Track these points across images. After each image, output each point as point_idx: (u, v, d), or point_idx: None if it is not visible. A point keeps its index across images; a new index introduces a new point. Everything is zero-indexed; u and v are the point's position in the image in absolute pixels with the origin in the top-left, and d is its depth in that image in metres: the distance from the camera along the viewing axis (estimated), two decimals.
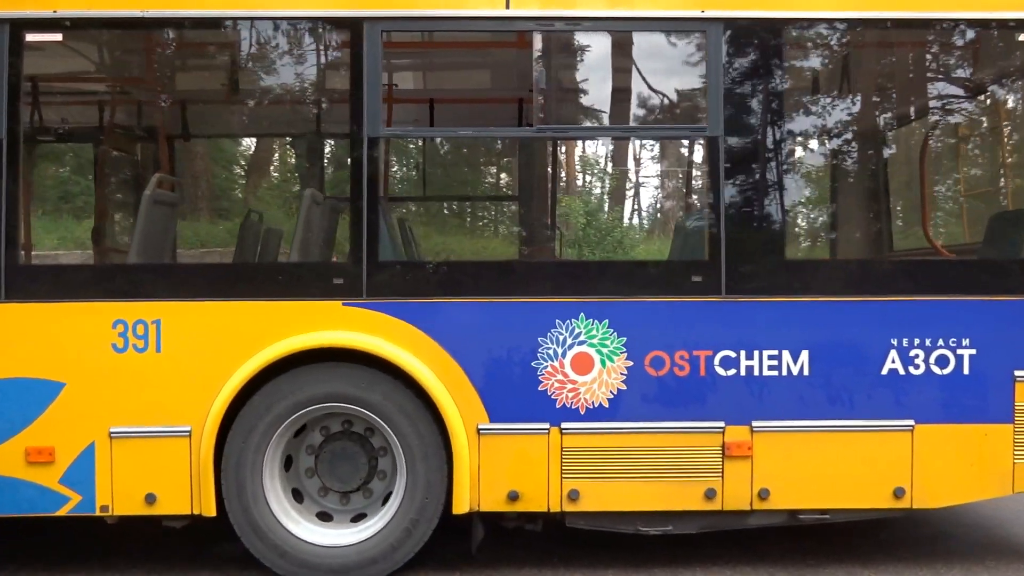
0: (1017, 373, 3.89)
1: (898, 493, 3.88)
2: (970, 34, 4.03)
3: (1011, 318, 3.91)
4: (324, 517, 4.06)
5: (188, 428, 3.82)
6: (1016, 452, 3.90)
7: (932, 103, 4.46)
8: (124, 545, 4.45)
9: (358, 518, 4.01)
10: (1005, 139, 4.33)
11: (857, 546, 4.34)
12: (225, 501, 3.83)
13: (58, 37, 3.82)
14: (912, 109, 4.28)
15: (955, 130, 4.64)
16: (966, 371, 3.90)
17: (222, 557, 4.16)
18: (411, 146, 4.42)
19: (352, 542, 3.87)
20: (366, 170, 3.83)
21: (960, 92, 4.34)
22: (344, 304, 3.85)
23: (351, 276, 3.85)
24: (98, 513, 3.83)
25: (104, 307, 3.82)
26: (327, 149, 4.11)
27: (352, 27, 3.84)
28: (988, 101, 4.44)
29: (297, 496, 4.06)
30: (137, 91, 4.52)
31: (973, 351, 3.90)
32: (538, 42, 3.92)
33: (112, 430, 3.81)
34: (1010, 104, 4.44)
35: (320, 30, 4.02)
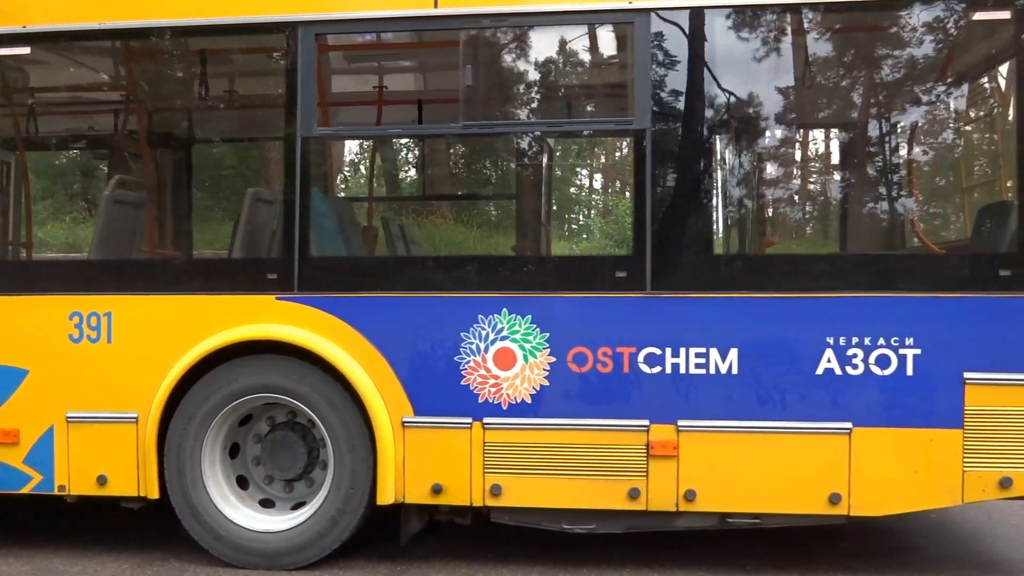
0: (967, 375, 3.64)
1: (834, 499, 3.70)
2: (924, 16, 3.80)
3: (960, 316, 3.66)
4: (268, 504, 4.23)
5: (135, 414, 4.05)
6: (966, 460, 3.64)
7: (871, 93, 4.22)
8: (95, 524, 4.74)
9: (299, 506, 4.15)
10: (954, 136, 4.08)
11: (810, 554, 4.16)
12: (167, 484, 4.04)
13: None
14: (847, 100, 4.06)
15: (899, 124, 4.37)
16: (909, 372, 3.68)
17: (179, 537, 4.36)
18: (361, 146, 4.54)
19: (283, 528, 4.01)
20: (299, 168, 3.97)
21: (901, 82, 4.09)
22: (277, 298, 4.00)
23: (283, 271, 4.00)
24: (56, 492, 4.12)
25: (62, 300, 4.11)
26: (267, 149, 4.26)
27: (287, 31, 3.99)
28: (931, 95, 4.17)
29: (243, 483, 4.24)
30: (95, 100, 4.84)
31: (917, 351, 3.68)
32: (466, 40, 3.96)
33: (69, 415, 4.08)
34: (956, 98, 4.16)
35: (257, 35, 4.18)
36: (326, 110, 4.13)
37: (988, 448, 3.63)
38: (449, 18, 3.94)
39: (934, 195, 4.10)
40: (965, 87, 4.18)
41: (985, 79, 4.17)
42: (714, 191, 3.83)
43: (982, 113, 4.39)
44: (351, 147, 4.36)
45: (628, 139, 3.80)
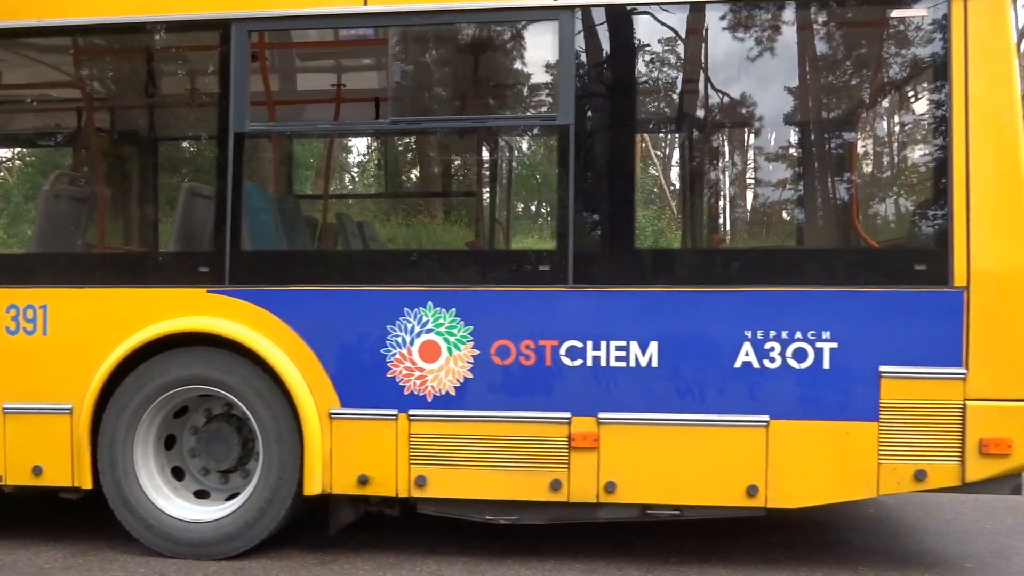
0: (883, 369, 3.68)
1: (751, 491, 3.74)
2: (846, 14, 3.85)
3: (875, 310, 3.69)
4: (203, 495, 4.28)
5: (70, 406, 4.11)
6: (882, 452, 3.68)
7: (791, 90, 4.26)
8: (37, 514, 4.80)
9: (233, 497, 4.20)
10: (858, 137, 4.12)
11: (738, 546, 4.19)
12: (100, 475, 4.10)
13: None
14: (766, 96, 4.09)
15: (815, 121, 4.41)
16: (826, 366, 3.72)
17: (115, 527, 4.42)
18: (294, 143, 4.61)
19: (212, 519, 4.06)
20: (231, 163, 4.03)
21: (817, 77, 4.14)
22: (209, 292, 4.05)
23: (215, 265, 4.06)
24: None
25: (0, 293, 4.17)
26: (203, 145, 4.32)
27: (221, 28, 4.06)
28: (842, 92, 4.22)
29: (178, 473, 4.30)
30: (33, 98, 4.91)
31: (834, 344, 3.71)
32: (395, 37, 4.02)
33: (5, 406, 4.15)
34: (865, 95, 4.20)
35: (192, 32, 4.25)
36: (267, 107, 4.18)
37: (903, 441, 3.66)
38: (378, 15, 4.00)
39: (854, 191, 4.12)
40: (871, 84, 4.22)
41: (887, 78, 4.21)
42: (635, 186, 3.86)
43: (889, 110, 4.42)
44: (289, 142, 4.42)
45: (554, 135, 3.82)
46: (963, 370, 3.63)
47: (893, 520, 4.81)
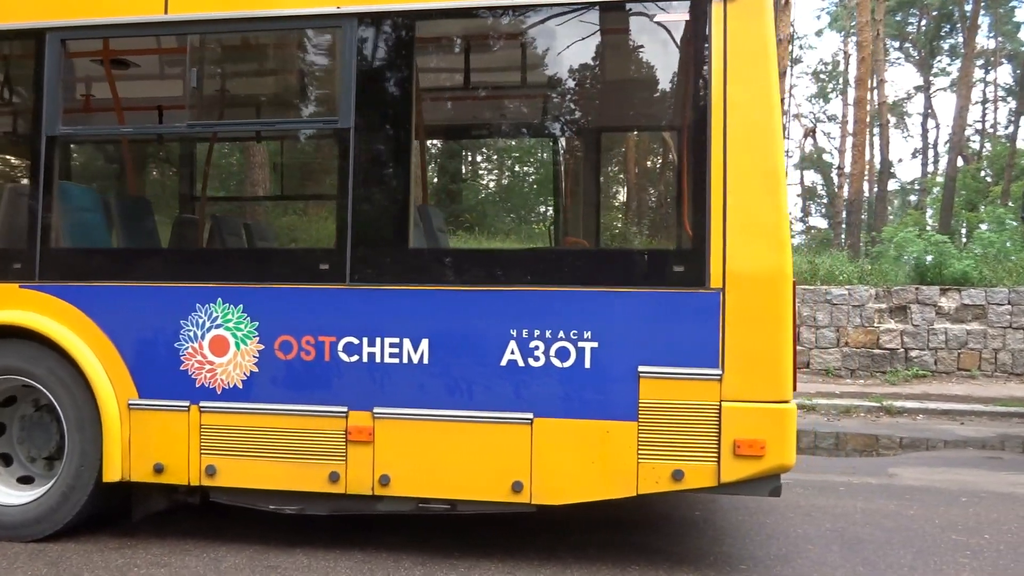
0: (642, 369, 3.72)
1: (516, 487, 3.81)
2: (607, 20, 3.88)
3: (636, 311, 3.74)
4: (28, 480, 4.49)
5: None
6: (641, 451, 3.72)
7: (544, 95, 4.31)
8: None
9: None
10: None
11: (524, 545, 4.25)
12: None
13: None
14: (529, 102, 4.14)
15: (576, 124, 4.44)
16: (587, 365, 3.77)
17: None
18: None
19: (21, 503, 4.26)
20: (43, 164, 4.23)
21: (580, 82, 4.18)
22: (21, 287, 4.26)
23: (27, 261, 4.26)
24: None
25: None
26: (20, 146, 4.50)
27: (35, 36, 4.26)
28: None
29: (8, 460, 4.51)
30: None
31: (595, 344, 3.77)
32: (192, 44, 4.18)
33: None
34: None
35: (9, 40, 4.46)
36: (82, 112, 4.36)
37: (661, 441, 3.70)
38: (176, 24, 4.16)
39: (620, 195, 4.16)
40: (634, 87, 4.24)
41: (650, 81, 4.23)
42: (409, 188, 3.96)
43: (653, 113, 4.43)
44: (108, 145, 4.60)
45: (336, 138, 3.94)
46: (719, 371, 3.65)
47: (690, 520, 4.81)
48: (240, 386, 4.06)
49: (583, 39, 3.96)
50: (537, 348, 3.81)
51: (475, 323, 3.86)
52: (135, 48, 4.48)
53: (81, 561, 3.92)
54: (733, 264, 3.65)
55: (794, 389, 3.74)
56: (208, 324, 4.08)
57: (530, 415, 3.81)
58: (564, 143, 4.37)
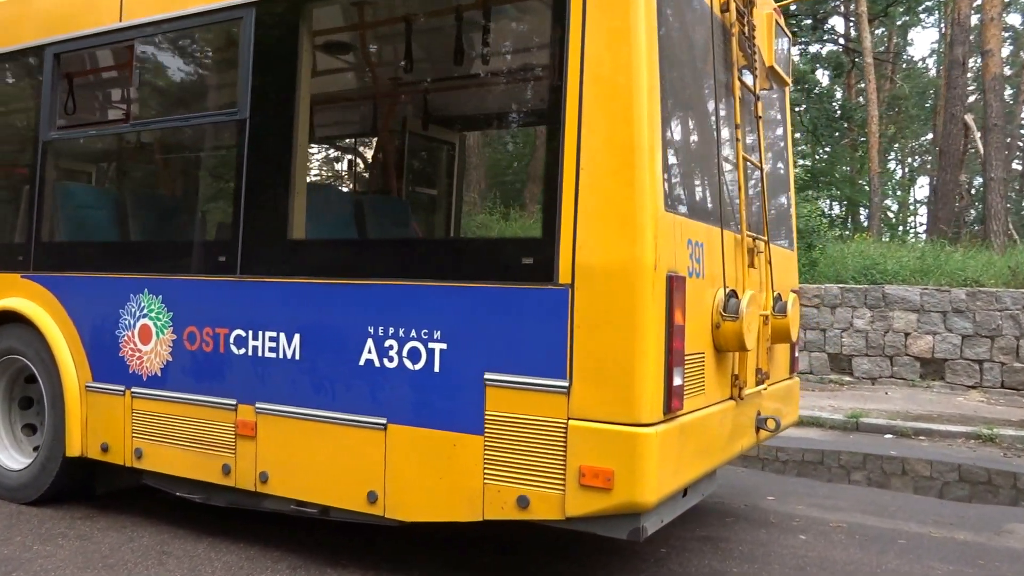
0: (488, 376, 3.24)
1: (371, 497, 3.52)
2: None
3: (483, 309, 3.26)
4: None
5: None
6: (487, 471, 3.23)
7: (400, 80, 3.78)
8: None
9: None
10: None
11: (412, 551, 3.91)
12: None
13: None
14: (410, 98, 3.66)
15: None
16: (437, 368, 3.37)
17: None
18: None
19: (18, 469, 4.80)
20: (39, 167, 4.74)
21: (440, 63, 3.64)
22: (22, 277, 4.80)
23: (25, 254, 4.79)
24: None
25: None
26: (24, 151, 4.93)
27: (36, 54, 4.77)
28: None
29: (33, 429, 5.11)
30: None
31: (444, 345, 3.36)
32: (137, 48, 4.41)
33: None
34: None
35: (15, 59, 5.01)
36: (71, 117, 4.77)
37: (507, 460, 3.20)
38: (123, 30, 4.42)
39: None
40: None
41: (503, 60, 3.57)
42: (292, 179, 3.80)
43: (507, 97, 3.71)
44: (99, 145, 4.94)
45: (235, 130, 3.93)
46: (566, 383, 3.07)
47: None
48: (159, 374, 4.21)
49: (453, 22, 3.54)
50: (392, 348, 3.48)
51: (338, 319, 3.63)
52: (106, 57, 4.83)
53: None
54: (582, 256, 3.05)
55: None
56: (138, 313, 4.29)
57: (384, 420, 3.49)
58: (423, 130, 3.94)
